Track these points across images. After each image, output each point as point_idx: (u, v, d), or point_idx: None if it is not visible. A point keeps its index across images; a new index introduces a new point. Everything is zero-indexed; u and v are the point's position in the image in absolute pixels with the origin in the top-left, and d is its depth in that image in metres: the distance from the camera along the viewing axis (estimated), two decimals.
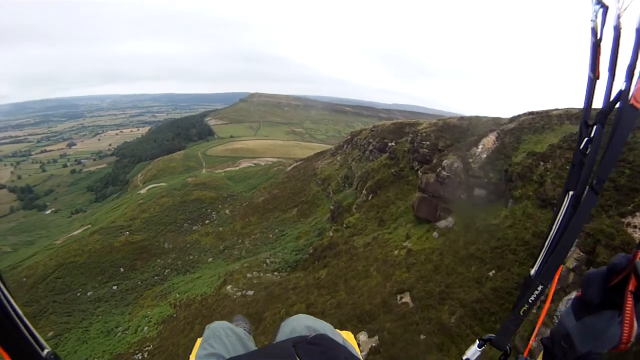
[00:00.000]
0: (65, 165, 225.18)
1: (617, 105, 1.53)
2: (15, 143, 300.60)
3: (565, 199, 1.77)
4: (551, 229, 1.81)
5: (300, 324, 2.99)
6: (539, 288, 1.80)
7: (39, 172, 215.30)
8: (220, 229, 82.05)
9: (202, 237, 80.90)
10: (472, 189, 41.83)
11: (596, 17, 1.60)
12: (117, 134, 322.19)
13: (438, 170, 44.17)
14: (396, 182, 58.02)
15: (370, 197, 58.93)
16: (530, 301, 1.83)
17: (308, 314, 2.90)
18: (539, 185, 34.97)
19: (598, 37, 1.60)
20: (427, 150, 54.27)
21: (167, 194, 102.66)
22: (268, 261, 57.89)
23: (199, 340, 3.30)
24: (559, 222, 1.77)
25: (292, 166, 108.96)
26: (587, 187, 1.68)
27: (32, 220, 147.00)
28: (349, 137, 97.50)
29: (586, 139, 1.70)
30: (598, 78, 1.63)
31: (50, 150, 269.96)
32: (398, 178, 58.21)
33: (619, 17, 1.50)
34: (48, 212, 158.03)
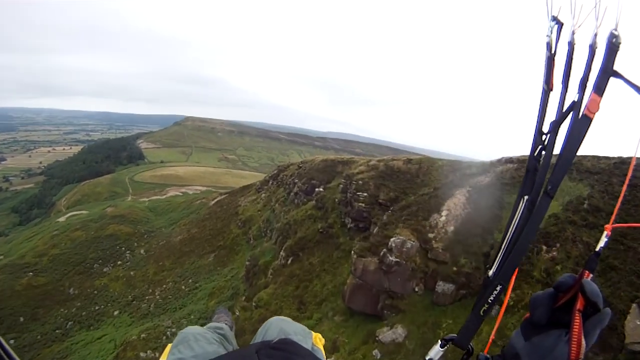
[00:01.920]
0: None
1: (570, 115, 1.62)
2: None
3: (521, 203, 1.81)
4: (507, 231, 1.84)
5: (274, 328, 2.88)
6: (498, 288, 1.83)
7: None
8: (132, 273, 71.19)
9: (112, 282, 70.16)
10: (434, 281, 29.06)
11: (551, 33, 1.70)
12: (49, 152, 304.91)
13: (382, 253, 30.32)
14: (323, 242, 45.74)
15: (289, 261, 46.01)
16: (489, 301, 1.85)
17: None
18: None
19: (552, 51, 1.71)
20: (363, 205, 42.87)
21: (81, 227, 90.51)
22: (169, 332, 46.26)
23: (169, 346, 2.91)
24: (515, 225, 1.81)
25: (215, 200, 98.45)
26: (542, 191, 1.74)
27: None
28: (275, 171, 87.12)
29: (540, 146, 1.79)
30: (551, 90, 1.74)
31: None
32: (326, 237, 46.12)
33: (573, 33, 1.61)
34: None
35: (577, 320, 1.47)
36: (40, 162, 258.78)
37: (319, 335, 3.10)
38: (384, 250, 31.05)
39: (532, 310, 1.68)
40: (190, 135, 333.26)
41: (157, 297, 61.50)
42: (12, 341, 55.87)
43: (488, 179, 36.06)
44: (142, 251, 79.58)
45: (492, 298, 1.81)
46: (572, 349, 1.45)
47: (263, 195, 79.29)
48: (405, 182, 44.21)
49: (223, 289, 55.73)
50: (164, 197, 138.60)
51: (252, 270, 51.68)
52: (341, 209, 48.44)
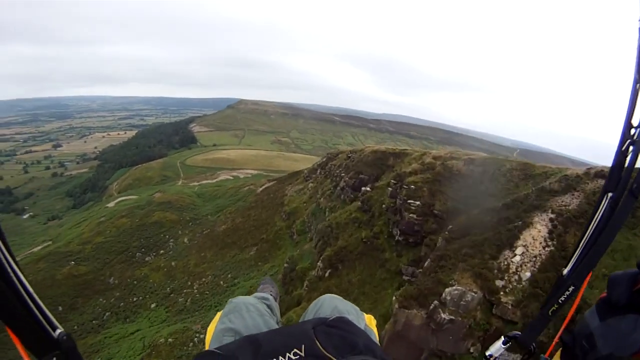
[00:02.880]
0: (48, 168, 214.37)
1: None
2: (1, 142, 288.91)
3: (604, 200, 1.74)
4: (587, 229, 1.79)
5: (327, 305, 2.89)
6: (570, 289, 1.81)
7: (21, 174, 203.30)
8: (173, 263, 68.87)
9: (152, 272, 68.11)
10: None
11: None
12: (104, 137, 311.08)
13: (433, 307, 22.20)
14: (366, 255, 38.48)
15: (327, 274, 39.44)
16: (560, 301, 1.84)
17: None
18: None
19: None
20: (415, 217, 35.30)
21: (127, 214, 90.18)
22: (196, 339, 42.96)
23: (218, 314, 2.98)
24: (596, 223, 1.74)
25: (263, 187, 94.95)
26: (627, 190, 1.68)
27: (8, 225, 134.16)
28: (324, 159, 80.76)
29: (628, 141, 1.69)
30: None
31: (35, 151, 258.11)
32: (370, 249, 38.98)
33: None
34: (25, 216, 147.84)
35: None
36: (95, 147, 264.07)
37: (372, 317, 3.14)
38: (435, 302, 22.67)
39: (610, 290, 1.63)
40: (243, 118, 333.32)
41: (195, 291, 58.53)
42: None
43: (576, 201, 25.81)
44: (185, 240, 77.19)
45: (563, 298, 1.79)
46: None
47: (310, 185, 74.32)
48: (467, 188, 35.72)
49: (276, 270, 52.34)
50: (214, 181, 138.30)
51: (290, 275, 46.91)
52: (389, 216, 40.86)
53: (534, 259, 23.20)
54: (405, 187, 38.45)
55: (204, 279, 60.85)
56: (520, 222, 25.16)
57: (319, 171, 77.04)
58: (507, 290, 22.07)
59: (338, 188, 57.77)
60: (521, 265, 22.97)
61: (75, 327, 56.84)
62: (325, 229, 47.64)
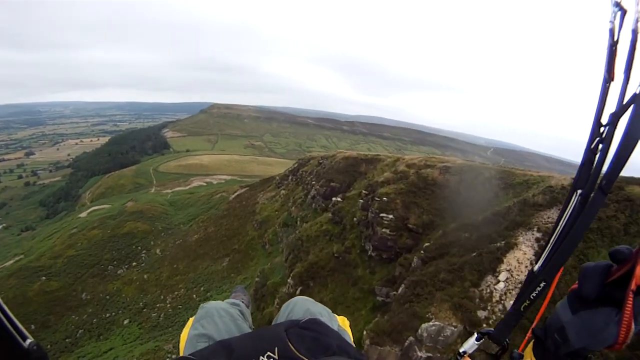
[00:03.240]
0: (20, 177, 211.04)
1: (631, 108, 1.52)
2: None
3: (573, 197, 1.75)
4: (557, 226, 1.77)
5: (299, 308, 2.91)
6: (542, 284, 1.80)
7: None
8: (146, 276, 68.05)
9: (125, 285, 67.24)
10: None
11: (614, 19, 1.60)
12: (77, 144, 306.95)
13: (408, 344, 20.26)
14: (338, 271, 36.20)
15: (298, 291, 36.27)
16: (532, 297, 1.83)
17: None
18: None
19: (615, 39, 1.62)
20: (388, 232, 33.50)
21: (99, 224, 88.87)
22: (168, 359, 41.62)
23: (191, 320, 3.01)
24: (566, 220, 1.74)
25: (235, 194, 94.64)
26: (596, 186, 1.68)
27: None
28: (295, 165, 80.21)
29: (597, 138, 1.69)
30: (612, 80, 1.65)
31: (8, 159, 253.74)
32: (342, 265, 36.74)
33: (637, 20, 1.48)
34: None
35: (630, 303, 1.41)
36: (69, 155, 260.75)
37: (344, 318, 3.26)
38: (411, 338, 20.44)
39: (581, 282, 1.61)
40: (216, 122, 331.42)
41: (168, 305, 58.03)
42: None
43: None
44: (158, 251, 76.46)
45: (535, 294, 1.79)
46: (621, 332, 1.42)
47: (282, 192, 73.90)
48: (443, 200, 34.21)
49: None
50: (188, 187, 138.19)
51: (261, 291, 45.11)
52: (361, 230, 38.90)
53: (519, 285, 21.00)
54: (377, 199, 36.68)
55: (176, 293, 60.44)
56: (503, 242, 23.14)
57: (290, 177, 76.73)
58: (490, 321, 20.08)
59: (309, 197, 56.77)
60: (505, 293, 21.07)
61: (49, 346, 55.85)
62: (296, 242, 46.16)
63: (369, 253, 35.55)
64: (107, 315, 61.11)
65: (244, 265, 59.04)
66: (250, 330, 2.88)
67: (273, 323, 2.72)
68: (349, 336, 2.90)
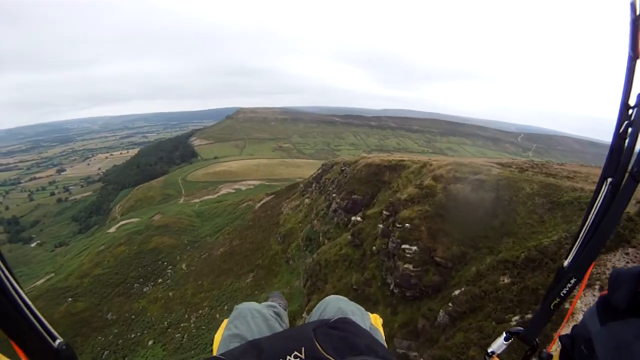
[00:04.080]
0: (52, 194, 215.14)
1: None
2: (6, 171, 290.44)
3: (603, 187, 1.68)
4: (587, 218, 1.72)
5: (332, 306, 2.93)
6: (572, 281, 1.76)
7: (26, 202, 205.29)
8: (171, 294, 66.91)
9: (150, 304, 66.09)
10: None
11: None
12: (106, 157, 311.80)
13: None
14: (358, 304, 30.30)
15: None
16: (562, 294, 1.80)
17: None
18: None
19: (638, 13, 1.53)
20: (412, 267, 28.79)
21: (125, 241, 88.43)
22: None
23: (225, 321, 3.15)
24: (596, 211, 1.68)
25: (261, 202, 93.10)
26: (627, 173, 1.62)
27: (16, 254, 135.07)
28: (319, 171, 76.55)
29: (626, 122, 1.63)
30: (638, 57, 1.57)
31: (40, 177, 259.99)
32: (361, 299, 30.54)
33: None
34: (33, 245, 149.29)
35: None
36: (99, 169, 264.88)
37: (377, 316, 3.26)
38: None
39: (611, 289, 1.53)
40: (243, 127, 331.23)
41: (192, 325, 56.45)
42: None
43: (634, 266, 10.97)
44: (183, 266, 75.17)
45: (565, 291, 1.75)
46: None
47: (306, 201, 71.14)
48: (476, 224, 28.64)
49: None
50: (216, 195, 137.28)
51: None
52: (382, 259, 34.47)
53: None
54: (398, 225, 31.87)
55: (200, 311, 58.86)
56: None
57: (314, 185, 73.87)
58: None
59: (331, 210, 53.05)
60: None
61: None
62: (314, 267, 42.88)
63: (391, 287, 31.19)
64: (132, 335, 60.03)
65: (267, 282, 56.82)
66: (281, 330, 2.85)
67: (306, 322, 2.53)
68: (381, 335, 2.88)
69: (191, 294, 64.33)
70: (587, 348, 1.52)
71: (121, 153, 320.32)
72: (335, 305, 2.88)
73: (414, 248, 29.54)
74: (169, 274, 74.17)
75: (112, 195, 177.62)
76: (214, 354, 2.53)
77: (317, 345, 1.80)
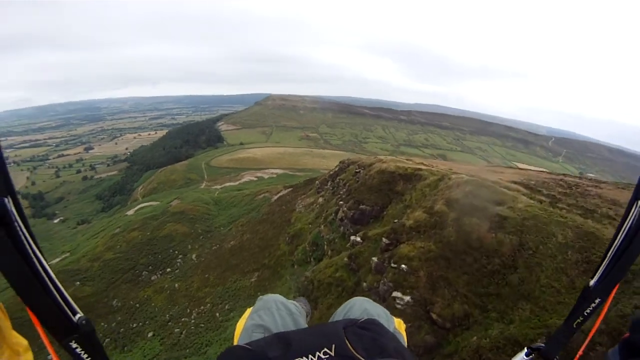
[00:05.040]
0: (79, 171, 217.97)
1: None
2: (35, 147, 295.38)
3: (634, 208, 1.66)
4: (615, 239, 1.70)
5: (358, 307, 2.93)
6: (596, 301, 1.77)
7: (53, 178, 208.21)
8: (177, 284, 66.08)
9: (156, 294, 65.35)
10: None
11: None
12: (134, 138, 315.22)
13: None
14: None
15: None
16: (585, 314, 1.82)
17: None
18: None
19: None
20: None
21: (140, 226, 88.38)
22: None
23: (248, 310, 3.16)
24: (625, 231, 1.66)
25: (278, 195, 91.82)
26: None
27: (39, 230, 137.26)
28: (336, 169, 73.37)
29: None
30: None
31: (67, 155, 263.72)
32: None
33: None
34: (56, 221, 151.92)
35: None
36: (126, 149, 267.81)
37: (401, 321, 3.18)
38: None
39: (632, 333, 1.56)
40: (271, 114, 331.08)
41: (192, 321, 55.23)
42: (49, 357, 53.21)
43: None
44: (194, 256, 74.27)
45: (588, 311, 1.77)
46: None
47: (320, 199, 68.21)
48: (489, 277, 23.56)
49: None
50: (237, 183, 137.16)
51: None
52: (373, 299, 25.45)
53: None
54: (394, 266, 27.51)
55: (202, 307, 57.65)
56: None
57: (329, 183, 70.80)
58: None
59: (338, 218, 48.72)
60: None
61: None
62: (307, 287, 39.55)
63: None
64: (134, 325, 59.37)
65: (271, 284, 54.89)
66: (305, 326, 2.86)
67: (329, 321, 2.53)
68: (404, 339, 2.88)
69: (196, 287, 63.35)
70: None
71: (149, 134, 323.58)
72: (362, 307, 2.86)
73: (407, 299, 24.97)
74: (178, 264, 73.55)
75: (137, 175, 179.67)
76: (235, 342, 2.70)
77: (348, 343, 1.77)
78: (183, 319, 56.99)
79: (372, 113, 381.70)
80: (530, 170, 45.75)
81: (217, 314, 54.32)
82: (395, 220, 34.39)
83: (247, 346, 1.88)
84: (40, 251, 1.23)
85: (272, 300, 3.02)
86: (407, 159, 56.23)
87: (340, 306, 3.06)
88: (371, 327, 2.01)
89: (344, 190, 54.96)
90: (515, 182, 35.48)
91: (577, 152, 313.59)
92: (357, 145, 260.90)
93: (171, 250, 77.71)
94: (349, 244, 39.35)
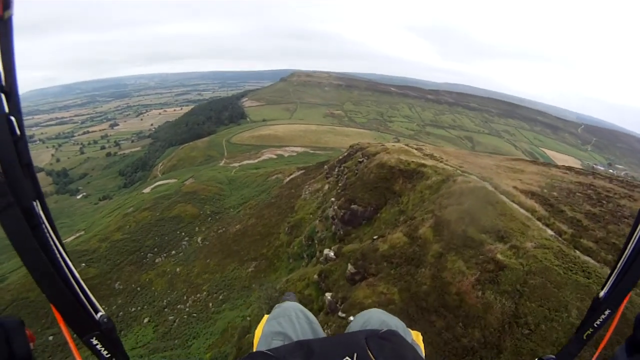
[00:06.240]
0: (103, 147, 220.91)
1: None
2: (61, 124, 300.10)
3: None
4: (625, 248, 1.67)
5: (374, 318, 2.89)
6: (606, 312, 1.74)
7: (77, 155, 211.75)
8: (178, 269, 65.66)
9: (158, 277, 65.16)
10: None
11: None
12: (160, 114, 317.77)
13: None
14: None
15: None
16: (595, 325, 1.78)
17: None
18: None
19: None
20: None
21: (151, 206, 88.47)
22: None
23: (265, 317, 3.18)
24: (636, 240, 1.63)
25: (290, 177, 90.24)
26: None
27: (62, 206, 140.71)
28: (345, 154, 69.16)
29: None
30: None
31: (93, 132, 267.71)
32: None
33: None
34: (79, 197, 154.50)
35: None
36: (152, 125, 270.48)
37: (418, 333, 3.16)
38: None
39: (635, 329, 1.58)
40: (296, 90, 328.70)
41: (187, 309, 54.77)
42: (50, 337, 53.75)
43: None
44: (199, 239, 73.39)
45: (599, 322, 1.74)
46: None
47: (325, 187, 64.95)
48: (460, 357, 16.89)
49: (234, 331, 42.93)
50: (256, 161, 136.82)
51: (241, 342, 35.95)
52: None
53: None
54: (341, 315, 22.23)
55: (198, 295, 56.78)
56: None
57: (336, 170, 65.40)
58: None
59: (330, 215, 44.09)
60: None
61: (74, 336, 54.28)
62: (275, 296, 35.87)
63: None
64: (133, 309, 59.38)
65: (266, 277, 53.32)
66: (324, 335, 2.84)
67: (345, 332, 2.59)
68: (422, 351, 2.83)
69: (196, 273, 62.62)
70: None
71: (175, 110, 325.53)
72: (379, 318, 2.81)
73: None
74: (183, 246, 73.08)
75: (159, 152, 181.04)
76: (254, 349, 2.66)
77: (370, 353, 1.79)
78: (179, 306, 56.46)
79: (398, 91, 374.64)
80: (556, 168, 38.58)
81: (210, 304, 53.59)
82: (375, 237, 29.33)
83: (268, 352, 1.89)
84: (65, 251, 1.29)
85: (292, 308, 3.02)
86: (417, 148, 50.78)
87: (356, 317, 3.00)
88: (392, 338, 2.03)
89: (343, 182, 50.96)
90: (533, 194, 27.69)
91: (606, 141, 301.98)
92: (382, 124, 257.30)
93: (178, 232, 77.22)
94: (322, 258, 35.18)
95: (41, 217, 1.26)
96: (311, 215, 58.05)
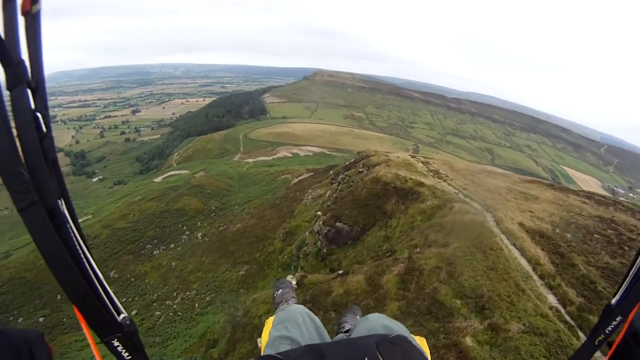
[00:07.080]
0: (123, 133, 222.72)
1: None
2: (83, 107, 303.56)
3: None
4: (638, 256, 1.68)
5: (378, 323, 2.74)
6: (618, 319, 1.75)
7: (97, 138, 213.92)
8: (174, 264, 65.02)
9: (152, 270, 64.77)
10: None
11: None
12: (182, 103, 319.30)
13: None
14: None
15: None
16: (607, 331, 1.79)
17: None
18: None
19: None
20: None
21: (157, 196, 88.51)
22: None
23: (270, 319, 3.12)
24: None
25: (298, 178, 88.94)
26: None
27: (77, 187, 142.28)
28: (352, 160, 66.95)
29: None
30: None
31: (114, 116, 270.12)
32: None
33: None
34: (95, 179, 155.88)
35: None
36: (173, 114, 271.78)
37: (423, 339, 3.09)
38: None
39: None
40: (318, 90, 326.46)
41: (174, 307, 54.50)
42: (41, 319, 55.02)
43: None
44: (199, 235, 73.11)
45: (610, 328, 1.75)
46: None
47: (327, 194, 61.44)
48: None
49: (213, 335, 40.83)
50: (271, 158, 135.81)
51: (207, 354, 34.38)
52: None
53: None
54: None
55: (188, 293, 56.31)
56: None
57: (340, 176, 61.50)
58: None
59: (315, 231, 41.47)
60: None
61: (65, 319, 55.12)
62: (240, 319, 31.83)
63: None
64: (123, 300, 58.32)
65: (254, 284, 52.59)
66: (330, 339, 2.85)
67: (354, 337, 2.55)
68: (428, 356, 2.63)
69: (190, 270, 62.19)
70: (634, 341, 1.62)
71: (197, 100, 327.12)
72: (381, 323, 2.66)
73: None
74: (183, 241, 72.73)
75: (177, 141, 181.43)
76: (262, 352, 2.68)
77: (381, 358, 1.81)
78: (167, 302, 56.12)
79: (421, 97, 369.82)
80: (574, 195, 33.13)
81: (197, 305, 53.04)
82: (340, 272, 26.38)
83: (278, 356, 1.90)
84: (89, 251, 1.31)
85: (298, 311, 2.93)
86: (423, 161, 48.78)
87: (358, 322, 2.80)
88: (401, 343, 2.07)
89: (336, 194, 48.06)
90: (542, 236, 22.86)
91: (628, 164, 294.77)
92: (403, 129, 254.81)
93: (180, 225, 76.94)
94: (328, 251, 34.36)
95: (66, 217, 1.27)
96: (307, 224, 55.99)
